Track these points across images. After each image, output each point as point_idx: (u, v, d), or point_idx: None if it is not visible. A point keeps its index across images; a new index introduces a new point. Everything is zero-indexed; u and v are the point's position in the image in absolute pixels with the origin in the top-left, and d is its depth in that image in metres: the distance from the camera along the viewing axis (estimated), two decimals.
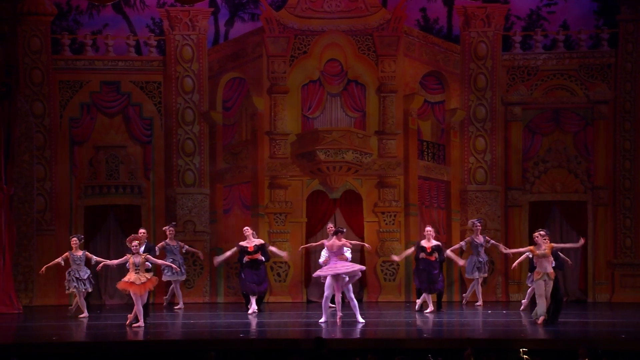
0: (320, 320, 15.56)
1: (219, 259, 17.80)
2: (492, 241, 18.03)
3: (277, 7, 19.41)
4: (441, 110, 19.74)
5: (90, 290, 17.27)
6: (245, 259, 17.40)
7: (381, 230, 19.26)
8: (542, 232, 15.50)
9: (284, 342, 14.16)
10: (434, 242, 17.14)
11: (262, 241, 17.60)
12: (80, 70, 19.31)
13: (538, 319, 15.27)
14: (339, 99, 19.50)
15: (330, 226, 17.66)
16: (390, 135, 19.39)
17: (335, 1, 19.40)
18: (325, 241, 16.11)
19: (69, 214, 19.25)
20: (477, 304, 18.06)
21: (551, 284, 15.27)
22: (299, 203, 19.38)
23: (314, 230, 19.27)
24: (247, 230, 17.52)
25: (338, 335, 14.58)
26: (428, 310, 17.00)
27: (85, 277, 17.00)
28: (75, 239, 17.09)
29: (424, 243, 17.12)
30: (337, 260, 15.59)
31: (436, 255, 17.06)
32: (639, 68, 19.06)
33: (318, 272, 15.99)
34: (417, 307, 17.23)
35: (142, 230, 17.07)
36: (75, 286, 16.99)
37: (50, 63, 19.16)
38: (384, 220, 19.28)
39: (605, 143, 19.36)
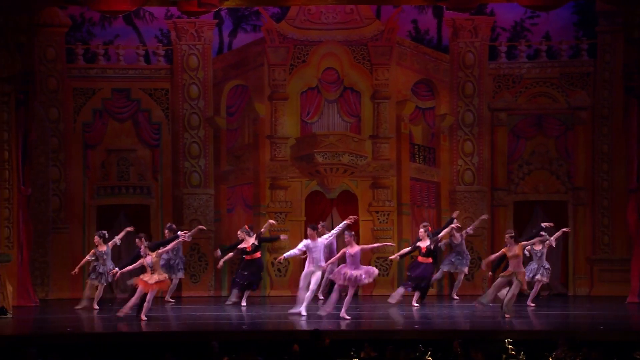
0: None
1: (220, 262, 17.82)
2: (468, 230, 18.43)
3: (278, 19, 19.65)
4: (431, 116, 20.05)
5: (105, 284, 17.55)
6: (246, 258, 17.75)
7: (375, 228, 19.63)
8: (510, 234, 15.93)
9: (284, 333, 14.49)
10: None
11: (255, 237, 17.61)
12: (93, 78, 19.65)
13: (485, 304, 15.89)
14: (336, 105, 19.81)
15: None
16: (383, 139, 19.77)
17: (332, 13, 19.63)
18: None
19: (82, 213, 19.59)
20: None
21: (517, 283, 15.63)
22: (298, 203, 19.68)
23: None
24: (241, 234, 17.60)
25: (334, 327, 14.84)
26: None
27: (104, 271, 17.34)
28: (96, 236, 17.51)
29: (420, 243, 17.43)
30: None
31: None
32: (616, 76, 19.13)
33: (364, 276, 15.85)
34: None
35: (137, 240, 17.06)
36: (93, 278, 17.42)
37: (65, 71, 19.50)
38: (378, 219, 19.66)
39: (584, 146, 19.62)
